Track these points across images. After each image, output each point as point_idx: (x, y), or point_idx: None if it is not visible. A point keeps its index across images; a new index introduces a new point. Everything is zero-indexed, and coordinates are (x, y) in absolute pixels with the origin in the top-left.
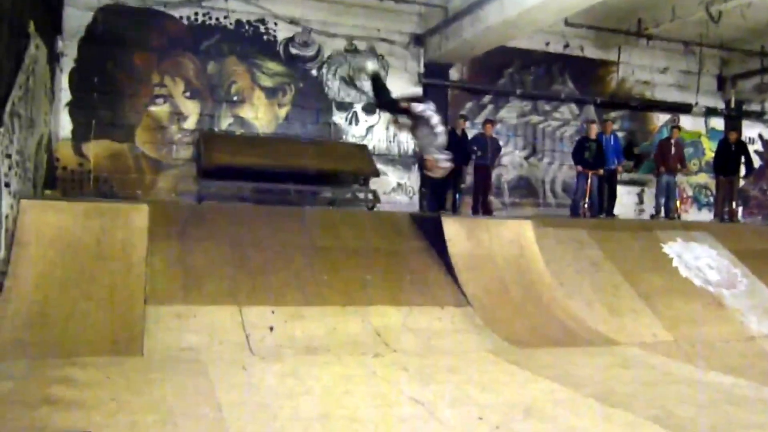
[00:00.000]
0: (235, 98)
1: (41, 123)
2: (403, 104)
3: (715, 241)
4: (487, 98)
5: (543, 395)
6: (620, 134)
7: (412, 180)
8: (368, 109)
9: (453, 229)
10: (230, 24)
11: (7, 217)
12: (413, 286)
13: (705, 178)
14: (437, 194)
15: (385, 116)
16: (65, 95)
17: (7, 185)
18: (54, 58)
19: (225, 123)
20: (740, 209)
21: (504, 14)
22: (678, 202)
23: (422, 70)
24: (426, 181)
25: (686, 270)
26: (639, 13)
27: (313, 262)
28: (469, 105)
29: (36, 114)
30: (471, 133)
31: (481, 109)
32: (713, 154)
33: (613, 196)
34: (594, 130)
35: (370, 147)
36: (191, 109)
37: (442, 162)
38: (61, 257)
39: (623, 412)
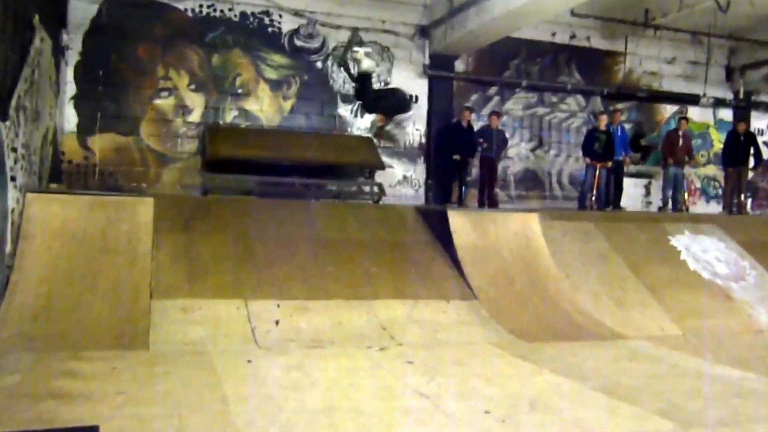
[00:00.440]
0: (239, 91)
1: (46, 116)
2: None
3: (723, 233)
4: (492, 90)
5: (549, 388)
6: (627, 126)
7: (417, 173)
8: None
9: (458, 221)
10: (235, 16)
11: (12, 210)
12: (419, 279)
13: (713, 170)
14: (443, 187)
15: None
16: (70, 88)
17: (12, 179)
18: (59, 51)
19: (230, 116)
20: (749, 201)
21: (510, 4)
22: (686, 194)
23: (427, 61)
24: (432, 174)
25: (694, 262)
26: (646, 3)
27: (319, 256)
28: (474, 97)
29: (41, 107)
30: (477, 126)
31: (487, 100)
32: (721, 146)
33: (619, 188)
34: (604, 121)
35: (376, 139)
36: (196, 102)
37: None
38: (67, 250)
39: (630, 405)
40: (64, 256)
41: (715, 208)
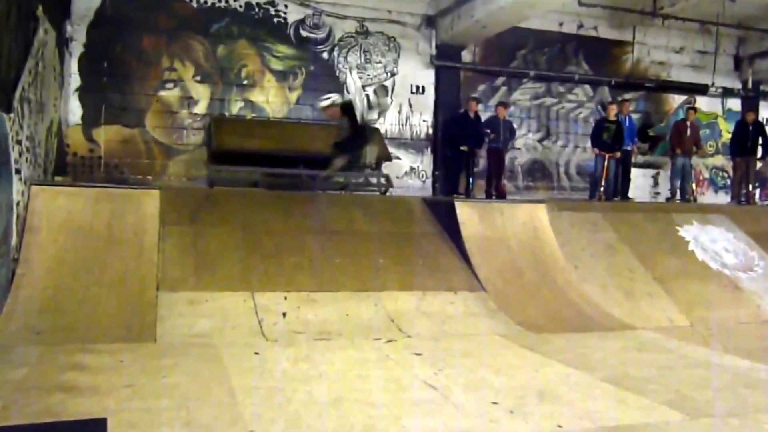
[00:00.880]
0: (245, 82)
1: (51, 108)
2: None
3: (731, 223)
4: (500, 80)
5: (557, 379)
6: (635, 116)
7: (425, 164)
8: (381, 92)
9: (466, 212)
10: (240, 6)
11: (18, 203)
12: (426, 271)
13: (722, 160)
14: (450, 178)
15: (397, 101)
16: (75, 80)
17: (17, 171)
18: (63, 42)
19: (235, 107)
20: (758, 191)
21: None
22: (694, 185)
23: (434, 52)
24: (439, 165)
25: (702, 253)
26: None
27: (326, 247)
28: (482, 87)
29: (46, 99)
30: (484, 116)
31: (494, 91)
32: (730, 136)
33: (627, 179)
34: (613, 111)
35: (383, 131)
36: (201, 93)
37: None
38: (73, 243)
39: (638, 396)
40: (70, 249)
41: (723, 198)
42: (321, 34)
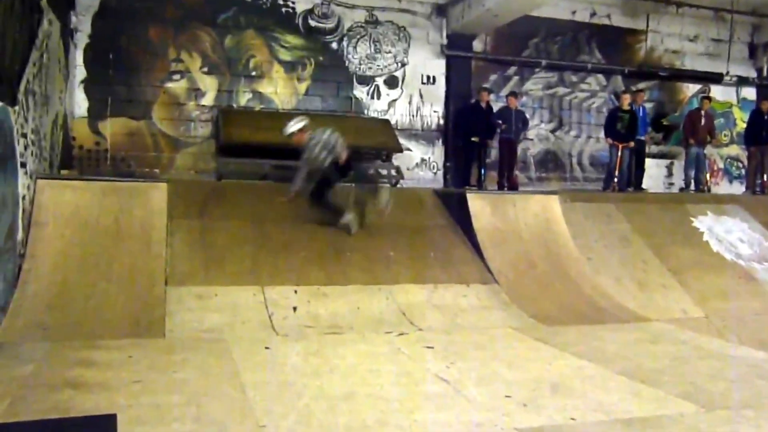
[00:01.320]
0: (253, 73)
1: (56, 101)
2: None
3: (746, 213)
4: (512, 70)
5: (571, 372)
6: (648, 105)
7: (436, 155)
8: (390, 83)
9: (478, 204)
10: None
11: (23, 197)
12: (438, 263)
13: (736, 150)
14: (462, 169)
15: (408, 91)
16: (80, 72)
17: (23, 165)
18: (68, 33)
19: (244, 99)
20: None
21: None
22: (708, 175)
23: (445, 41)
24: (450, 156)
25: (717, 244)
26: None
27: (336, 240)
28: (493, 77)
29: (51, 91)
30: (496, 106)
31: (506, 80)
32: (745, 125)
33: (641, 169)
34: (626, 100)
35: (393, 121)
36: (209, 85)
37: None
38: (79, 237)
39: (653, 388)
40: (77, 244)
41: (738, 188)
42: (330, 24)
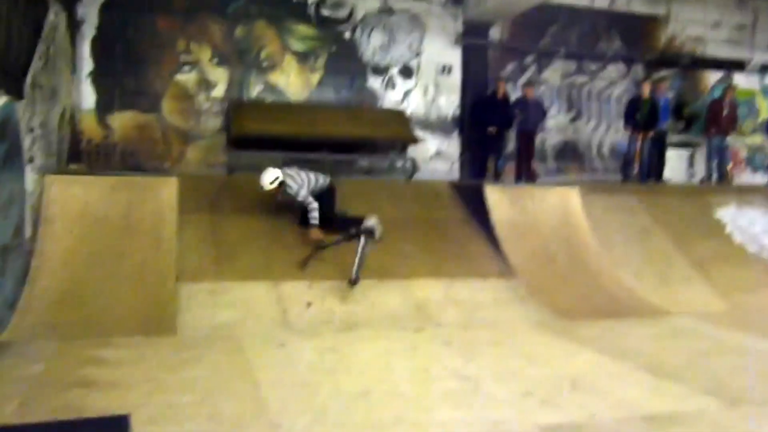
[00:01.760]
0: (264, 64)
1: (63, 94)
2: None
3: None
4: (529, 59)
5: (591, 367)
6: (670, 94)
7: (452, 147)
8: (405, 73)
9: (495, 197)
10: None
11: (31, 193)
12: (455, 257)
13: (760, 139)
14: (478, 161)
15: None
16: (87, 64)
17: (30, 160)
18: (74, 25)
19: (255, 90)
20: None
21: None
22: (730, 165)
23: (461, 30)
24: (467, 148)
25: (740, 235)
26: None
27: None
28: (510, 66)
29: (58, 85)
30: (514, 96)
31: (523, 70)
32: None
33: (662, 160)
34: (647, 89)
35: (408, 112)
36: (219, 77)
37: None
38: (89, 233)
39: (675, 383)
40: (86, 240)
41: (762, 178)
42: (342, 14)
